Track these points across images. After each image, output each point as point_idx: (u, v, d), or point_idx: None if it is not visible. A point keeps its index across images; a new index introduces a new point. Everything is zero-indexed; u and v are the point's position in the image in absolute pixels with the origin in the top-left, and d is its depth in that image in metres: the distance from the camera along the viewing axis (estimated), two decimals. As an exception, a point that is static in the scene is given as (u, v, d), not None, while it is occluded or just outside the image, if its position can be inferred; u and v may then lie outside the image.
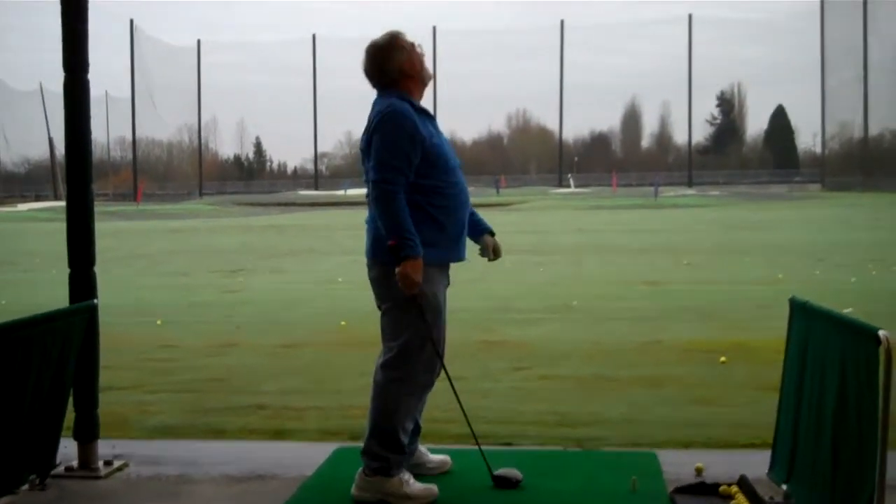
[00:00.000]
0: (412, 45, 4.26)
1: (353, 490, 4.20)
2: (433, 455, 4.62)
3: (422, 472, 4.43)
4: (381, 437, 4.16)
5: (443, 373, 4.26)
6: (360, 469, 4.22)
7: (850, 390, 3.43)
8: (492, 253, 4.56)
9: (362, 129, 4.22)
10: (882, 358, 3.13)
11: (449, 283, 4.35)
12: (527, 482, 4.35)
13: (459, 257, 4.31)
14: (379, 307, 4.26)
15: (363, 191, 4.33)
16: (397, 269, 3.96)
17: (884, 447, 3.13)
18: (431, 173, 4.13)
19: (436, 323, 4.18)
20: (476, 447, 4.34)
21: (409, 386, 4.19)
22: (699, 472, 4.55)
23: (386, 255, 4.03)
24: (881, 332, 3.16)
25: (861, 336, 3.34)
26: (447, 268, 4.32)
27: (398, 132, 4.04)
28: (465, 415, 4.31)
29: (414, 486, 4.18)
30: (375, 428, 4.17)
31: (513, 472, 4.37)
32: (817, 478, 3.71)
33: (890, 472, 3.16)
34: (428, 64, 4.38)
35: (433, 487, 4.22)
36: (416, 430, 4.40)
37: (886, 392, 3.14)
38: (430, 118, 4.27)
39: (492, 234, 4.57)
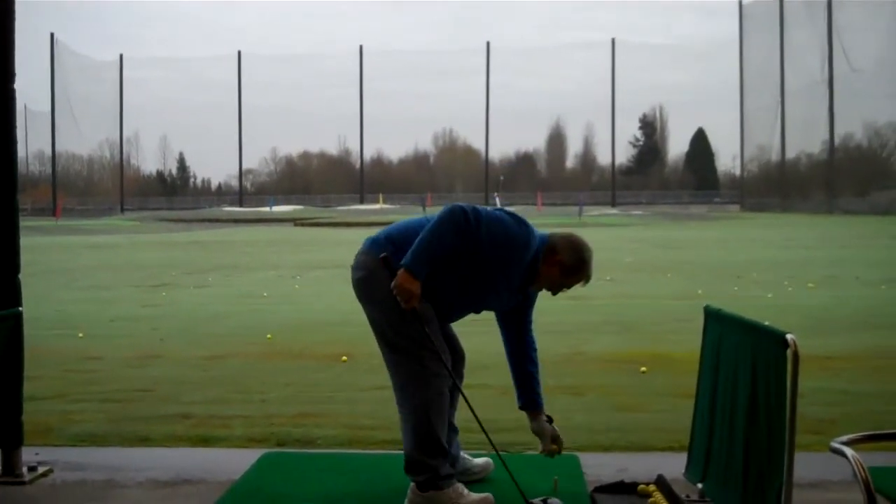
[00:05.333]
0: None
1: None
2: (476, 459, 4.60)
3: (469, 480, 4.38)
4: (421, 442, 4.05)
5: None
6: (412, 484, 4.11)
7: (760, 392, 3.56)
8: None
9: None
10: (789, 360, 3.27)
11: None
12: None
13: None
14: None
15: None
16: None
17: (791, 446, 3.26)
18: None
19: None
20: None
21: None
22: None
23: None
24: (788, 336, 3.30)
25: (770, 340, 3.48)
26: None
27: None
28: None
29: (469, 497, 4.09)
30: (412, 432, 4.07)
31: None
32: (730, 476, 3.85)
33: (797, 472, 3.30)
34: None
35: (489, 496, 4.14)
36: (454, 430, 4.38)
37: (794, 393, 3.27)
38: None
39: None
